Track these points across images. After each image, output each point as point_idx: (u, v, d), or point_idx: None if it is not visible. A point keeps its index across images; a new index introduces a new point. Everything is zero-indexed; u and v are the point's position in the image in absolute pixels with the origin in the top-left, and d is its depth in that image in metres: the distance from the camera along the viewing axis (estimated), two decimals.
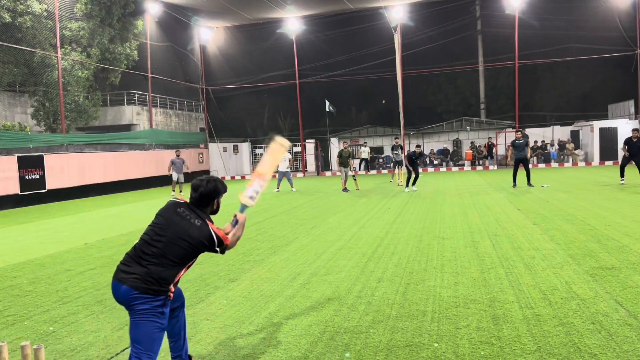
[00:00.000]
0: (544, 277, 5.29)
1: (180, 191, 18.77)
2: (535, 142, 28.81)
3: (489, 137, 29.24)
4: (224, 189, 3.38)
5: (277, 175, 18.49)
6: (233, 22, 30.88)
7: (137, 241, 3.20)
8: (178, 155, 19.04)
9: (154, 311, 2.96)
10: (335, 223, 9.83)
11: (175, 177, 18.69)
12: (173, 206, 3.26)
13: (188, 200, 3.31)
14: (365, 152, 29.28)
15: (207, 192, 3.30)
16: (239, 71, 32.78)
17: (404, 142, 28.09)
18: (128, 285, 2.96)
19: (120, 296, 3.02)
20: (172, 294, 3.10)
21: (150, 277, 2.97)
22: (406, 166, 16.49)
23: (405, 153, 25.29)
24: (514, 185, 15.64)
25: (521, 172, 15.89)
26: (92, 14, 22.82)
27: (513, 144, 15.71)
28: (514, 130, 28.27)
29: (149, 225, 3.22)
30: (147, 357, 2.93)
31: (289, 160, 18.65)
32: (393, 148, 20.37)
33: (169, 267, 3.04)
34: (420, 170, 17.29)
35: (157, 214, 3.27)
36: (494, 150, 28.52)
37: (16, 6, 19.55)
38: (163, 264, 3.03)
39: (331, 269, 6.11)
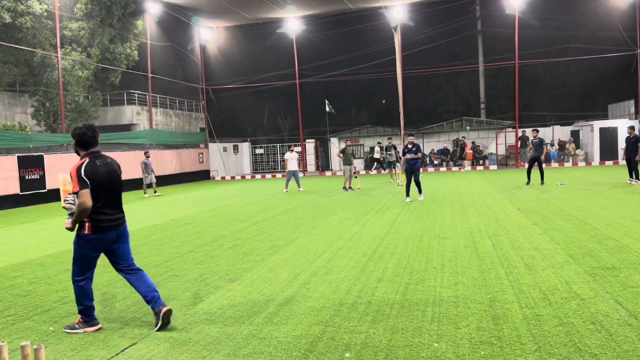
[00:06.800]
0: (544, 277, 5.29)
1: (155, 191, 19.44)
2: None
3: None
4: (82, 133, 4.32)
5: (286, 175, 18.45)
6: (233, 22, 30.88)
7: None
8: (148, 157, 19.33)
9: None
10: (335, 223, 9.83)
11: (154, 177, 19.18)
12: None
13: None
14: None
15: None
16: (239, 71, 32.78)
17: (403, 142, 28.09)
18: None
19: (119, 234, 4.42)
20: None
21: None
22: (405, 169, 13.68)
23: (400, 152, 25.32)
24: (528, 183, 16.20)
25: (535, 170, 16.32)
26: (92, 14, 22.82)
27: (531, 142, 16.29)
28: (513, 130, 28.37)
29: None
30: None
31: (297, 160, 18.60)
32: (386, 149, 20.32)
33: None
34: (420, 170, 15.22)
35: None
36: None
37: (17, 6, 19.55)
38: None
39: (331, 269, 6.11)
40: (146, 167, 18.92)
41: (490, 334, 3.85)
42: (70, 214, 4.37)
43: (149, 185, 19.31)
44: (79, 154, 4.37)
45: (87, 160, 4.26)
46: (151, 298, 4.33)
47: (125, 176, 21.94)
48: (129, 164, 23.08)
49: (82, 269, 4.30)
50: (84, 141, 4.34)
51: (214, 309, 4.77)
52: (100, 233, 4.26)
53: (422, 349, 3.63)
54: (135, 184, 22.92)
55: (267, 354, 3.68)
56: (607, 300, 4.46)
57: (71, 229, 4.32)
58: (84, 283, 4.32)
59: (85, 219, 4.22)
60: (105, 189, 4.28)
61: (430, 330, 3.98)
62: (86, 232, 4.23)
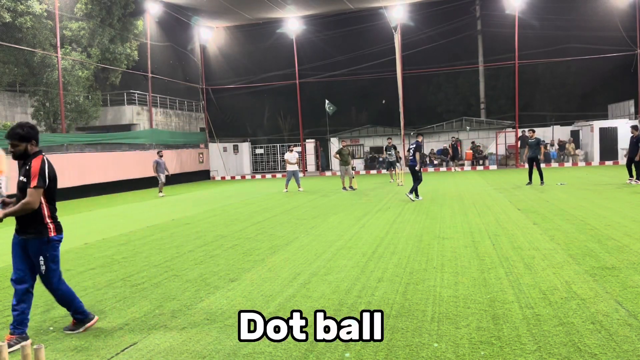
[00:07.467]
0: (544, 277, 5.29)
1: (160, 191, 19.06)
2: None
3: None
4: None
5: (286, 174, 18.38)
6: (233, 22, 30.89)
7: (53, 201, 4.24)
8: (161, 156, 19.11)
9: None
10: (335, 223, 9.83)
11: (163, 178, 18.87)
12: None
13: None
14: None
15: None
16: (239, 71, 32.79)
17: (403, 142, 28.10)
18: None
19: None
20: None
21: None
22: (410, 167, 12.92)
23: (404, 152, 25.24)
24: (529, 183, 16.11)
25: (535, 171, 16.19)
26: (92, 14, 22.82)
27: (527, 142, 16.16)
28: (513, 130, 28.39)
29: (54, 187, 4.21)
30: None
31: (297, 160, 18.44)
32: (386, 149, 20.32)
33: None
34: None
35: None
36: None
37: (16, 6, 19.55)
38: None
39: (331, 269, 6.11)
40: (158, 165, 18.71)
41: (490, 334, 3.85)
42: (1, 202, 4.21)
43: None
44: (27, 154, 4.15)
45: (44, 157, 4.17)
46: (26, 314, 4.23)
47: (125, 176, 21.90)
48: (129, 164, 23.09)
49: (58, 269, 4.24)
50: (38, 138, 4.25)
51: (214, 309, 4.77)
52: (61, 232, 4.28)
53: (422, 349, 3.63)
54: (137, 184, 22.96)
55: (267, 354, 3.68)
56: (607, 300, 4.46)
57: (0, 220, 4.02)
58: (63, 284, 4.28)
59: (48, 221, 4.14)
60: (55, 189, 4.29)
61: (430, 330, 3.98)
62: (53, 234, 4.17)
